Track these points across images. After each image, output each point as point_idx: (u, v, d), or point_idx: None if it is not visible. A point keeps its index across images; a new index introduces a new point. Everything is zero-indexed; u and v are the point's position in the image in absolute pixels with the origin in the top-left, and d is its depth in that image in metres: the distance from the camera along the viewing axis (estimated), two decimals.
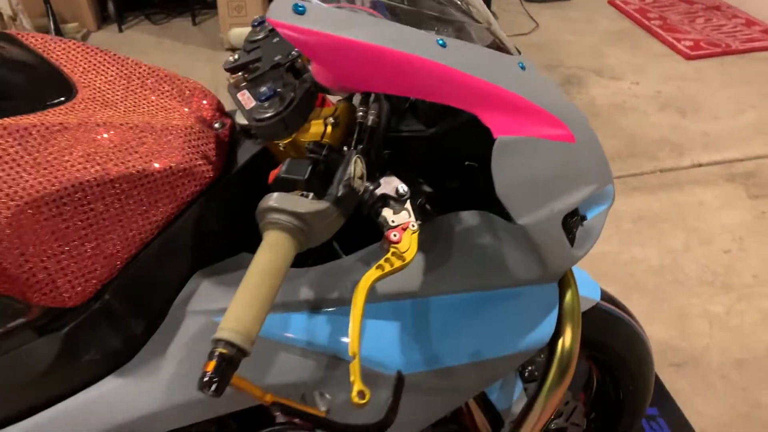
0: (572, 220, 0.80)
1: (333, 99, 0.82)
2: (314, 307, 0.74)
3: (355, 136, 0.69)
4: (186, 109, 0.78)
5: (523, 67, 0.73)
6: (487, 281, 0.79)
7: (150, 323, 0.73)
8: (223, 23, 3.55)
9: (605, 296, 1.10)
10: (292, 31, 0.58)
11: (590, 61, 3.43)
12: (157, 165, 0.69)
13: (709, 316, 1.90)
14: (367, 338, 0.74)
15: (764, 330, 1.86)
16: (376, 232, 0.69)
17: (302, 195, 0.61)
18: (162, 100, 0.78)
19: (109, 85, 0.77)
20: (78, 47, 0.80)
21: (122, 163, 0.67)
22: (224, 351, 0.52)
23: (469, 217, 0.78)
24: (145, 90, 0.79)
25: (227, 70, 0.75)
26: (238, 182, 0.77)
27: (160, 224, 0.70)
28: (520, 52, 0.78)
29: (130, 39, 3.77)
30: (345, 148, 0.69)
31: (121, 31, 3.84)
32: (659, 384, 1.68)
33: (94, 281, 0.66)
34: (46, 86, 0.74)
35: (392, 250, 0.64)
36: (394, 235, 0.64)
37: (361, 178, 0.63)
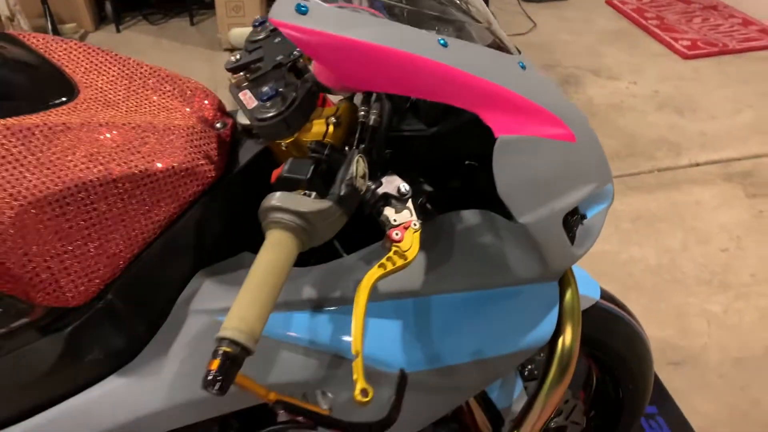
0: (572, 219, 0.80)
1: (334, 99, 0.83)
2: (316, 305, 0.74)
3: (357, 135, 0.69)
4: (188, 109, 0.79)
5: (523, 67, 0.74)
6: (488, 280, 0.79)
7: (152, 323, 0.73)
8: (221, 23, 3.54)
9: (605, 295, 1.11)
10: (295, 31, 0.58)
11: (588, 61, 3.44)
12: (159, 165, 0.69)
13: (707, 315, 1.91)
14: (369, 337, 0.74)
15: (762, 329, 1.87)
16: (377, 231, 0.70)
17: (305, 194, 0.61)
18: (164, 100, 0.78)
19: (111, 85, 0.77)
20: (79, 47, 0.80)
21: (125, 163, 0.67)
22: (228, 349, 0.52)
23: (470, 216, 0.78)
24: (147, 90, 0.79)
25: (229, 70, 0.75)
26: (240, 182, 0.77)
27: (163, 224, 0.70)
28: (520, 52, 0.78)
29: (128, 39, 3.77)
30: (346, 148, 0.70)
31: (118, 31, 3.83)
32: (658, 383, 1.69)
33: (97, 281, 0.66)
34: (48, 86, 0.74)
35: (394, 248, 0.64)
36: (396, 234, 0.65)
37: (363, 177, 0.63)
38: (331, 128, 0.71)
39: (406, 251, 0.64)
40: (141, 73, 0.81)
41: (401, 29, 0.64)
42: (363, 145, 0.68)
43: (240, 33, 0.90)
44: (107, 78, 0.78)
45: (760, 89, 3.11)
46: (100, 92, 0.75)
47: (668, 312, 1.92)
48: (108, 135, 0.68)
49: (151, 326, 0.73)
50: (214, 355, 0.52)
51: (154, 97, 0.78)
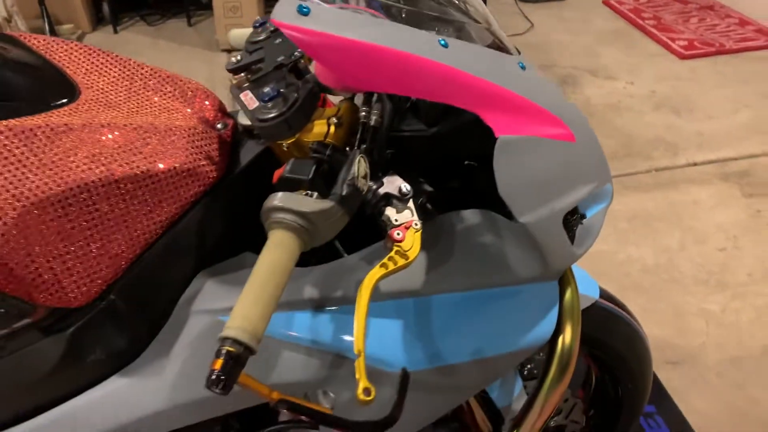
0: (572, 219, 0.80)
1: (334, 99, 0.83)
2: (318, 305, 0.75)
3: (359, 136, 0.70)
4: (189, 110, 0.79)
5: (523, 67, 0.74)
6: (488, 279, 0.80)
7: (154, 323, 0.74)
8: (218, 24, 3.54)
9: (604, 294, 1.11)
10: (297, 32, 0.59)
11: (585, 61, 3.44)
12: (161, 165, 0.69)
13: (705, 315, 1.92)
14: (370, 336, 0.74)
15: (759, 327, 1.87)
16: (377, 231, 0.70)
17: (307, 194, 0.62)
18: (165, 101, 0.79)
19: (112, 86, 0.78)
20: (80, 48, 0.81)
21: (127, 163, 0.67)
22: (231, 349, 0.53)
23: (470, 216, 0.79)
24: (148, 91, 0.79)
25: (230, 70, 0.76)
26: (241, 182, 0.78)
27: (165, 224, 0.71)
28: (519, 52, 0.78)
29: (125, 40, 3.77)
30: (347, 149, 0.70)
31: (116, 32, 3.83)
32: (656, 382, 1.69)
33: (100, 281, 0.67)
34: (50, 88, 0.74)
35: (396, 248, 0.64)
36: (398, 234, 0.65)
37: (364, 177, 0.64)
38: (332, 129, 0.71)
39: (407, 251, 0.64)
40: (142, 74, 0.81)
41: (402, 30, 0.64)
42: (364, 146, 0.69)
43: (240, 34, 0.90)
44: (108, 79, 0.78)
45: (757, 89, 3.12)
46: (102, 93, 0.76)
47: (666, 311, 1.93)
48: (110, 136, 0.68)
49: (153, 326, 0.74)
50: (218, 354, 0.52)
51: (155, 98, 0.78)
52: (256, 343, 0.54)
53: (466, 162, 0.85)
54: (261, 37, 0.78)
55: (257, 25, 0.80)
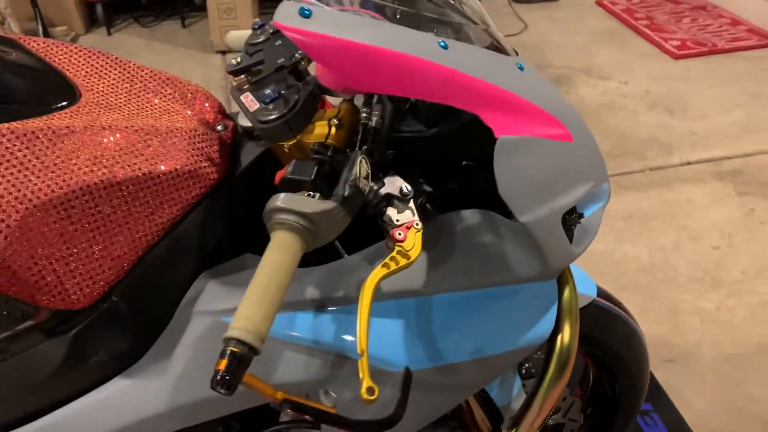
0: (571, 218, 0.81)
1: (333, 101, 0.83)
2: (319, 305, 0.75)
3: (359, 137, 0.70)
4: (189, 112, 0.79)
5: (521, 68, 0.74)
6: (488, 279, 0.80)
7: (156, 324, 0.74)
8: (212, 26, 3.54)
9: (601, 293, 1.12)
10: (299, 34, 0.59)
11: (579, 61, 3.46)
12: (162, 167, 0.69)
13: (700, 313, 1.93)
14: (371, 336, 0.74)
15: (754, 325, 1.89)
16: (376, 231, 0.70)
17: (309, 195, 0.62)
18: (165, 103, 0.79)
19: (112, 88, 0.78)
20: (79, 51, 0.81)
21: (128, 165, 0.67)
22: (236, 349, 0.53)
23: (469, 216, 0.79)
24: (148, 93, 0.79)
25: (230, 72, 0.76)
26: (242, 184, 0.78)
27: (166, 226, 0.71)
28: (517, 53, 0.79)
29: (119, 42, 3.76)
30: (348, 150, 0.70)
31: (109, 34, 3.82)
32: (653, 380, 1.71)
33: (102, 283, 0.67)
34: (50, 90, 0.74)
35: (397, 248, 0.65)
36: (399, 234, 0.65)
37: (366, 178, 0.64)
38: (333, 130, 0.72)
39: (409, 251, 0.65)
40: (141, 76, 0.81)
41: (403, 32, 0.65)
42: (365, 147, 0.69)
43: (237, 36, 0.91)
44: (108, 81, 0.78)
45: (749, 88, 3.14)
46: (102, 96, 0.76)
47: (662, 310, 1.94)
48: (111, 138, 0.68)
49: (155, 328, 0.74)
50: (222, 355, 0.53)
51: (156, 100, 0.79)
52: (260, 344, 0.54)
53: (464, 162, 0.85)
54: (260, 39, 0.78)
55: (256, 27, 0.81)
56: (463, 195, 0.84)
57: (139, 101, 0.77)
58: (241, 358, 0.53)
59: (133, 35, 3.84)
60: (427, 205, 0.77)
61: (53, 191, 0.62)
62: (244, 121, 0.82)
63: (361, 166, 0.63)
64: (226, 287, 0.75)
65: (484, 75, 0.67)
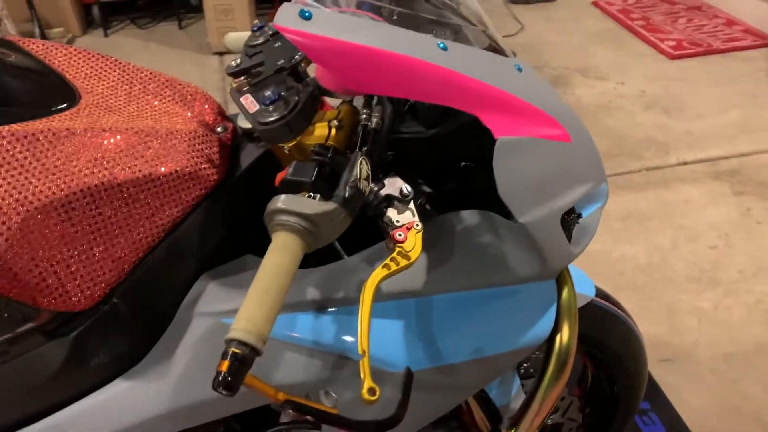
0: (569, 218, 0.81)
1: (333, 102, 0.83)
2: (320, 306, 0.75)
3: (360, 138, 0.70)
4: (189, 114, 0.79)
5: (519, 69, 0.75)
6: (487, 279, 0.80)
7: (157, 326, 0.74)
8: (209, 27, 3.54)
9: (600, 293, 1.12)
10: (299, 36, 0.59)
11: (575, 62, 3.47)
12: (163, 169, 0.69)
13: (698, 312, 1.93)
14: (372, 337, 0.74)
15: (751, 324, 1.89)
16: (376, 232, 0.70)
17: (309, 197, 0.62)
18: (165, 105, 0.79)
19: (112, 90, 0.78)
20: (79, 53, 0.81)
21: (129, 167, 0.67)
22: (237, 350, 0.53)
23: (469, 216, 0.79)
24: (148, 95, 0.80)
25: (230, 74, 0.76)
26: (242, 185, 0.78)
27: (167, 227, 0.71)
28: (515, 55, 0.79)
29: (116, 43, 3.76)
30: (348, 151, 0.71)
31: (106, 35, 3.82)
32: (651, 379, 1.71)
33: (103, 285, 0.67)
34: (50, 92, 0.74)
35: (398, 249, 0.65)
36: (399, 235, 0.66)
37: (366, 179, 0.64)
38: (333, 131, 0.72)
39: (409, 252, 0.65)
40: (141, 78, 0.81)
41: (402, 34, 0.65)
42: (365, 148, 0.69)
43: (236, 37, 0.91)
44: (108, 83, 0.79)
45: (745, 88, 3.15)
46: (102, 98, 0.76)
47: (659, 309, 1.94)
48: (111, 140, 0.69)
49: (155, 329, 0.74)
50: (224, 356, 0.53)
51: (155, 102, 0.79)
52: (261, 345, 0.54)
53: (463, 163, 0.86)
54: (260, 41, 0.79)
55: (256, 28, 0.81)
56: (462, 196, 0.85)
57: (138, 103, 0.78)
58: (242, 360, 0.53)
59: (130, 37, 3.84)
60: (427, 205, 0.77)
61: (54, 193, 0.62)
62: (244, 123, 0.82)
63: (361, 168, 0.64)
64: (226, 288, 0.75)
65: (482, 76, 0.67)
